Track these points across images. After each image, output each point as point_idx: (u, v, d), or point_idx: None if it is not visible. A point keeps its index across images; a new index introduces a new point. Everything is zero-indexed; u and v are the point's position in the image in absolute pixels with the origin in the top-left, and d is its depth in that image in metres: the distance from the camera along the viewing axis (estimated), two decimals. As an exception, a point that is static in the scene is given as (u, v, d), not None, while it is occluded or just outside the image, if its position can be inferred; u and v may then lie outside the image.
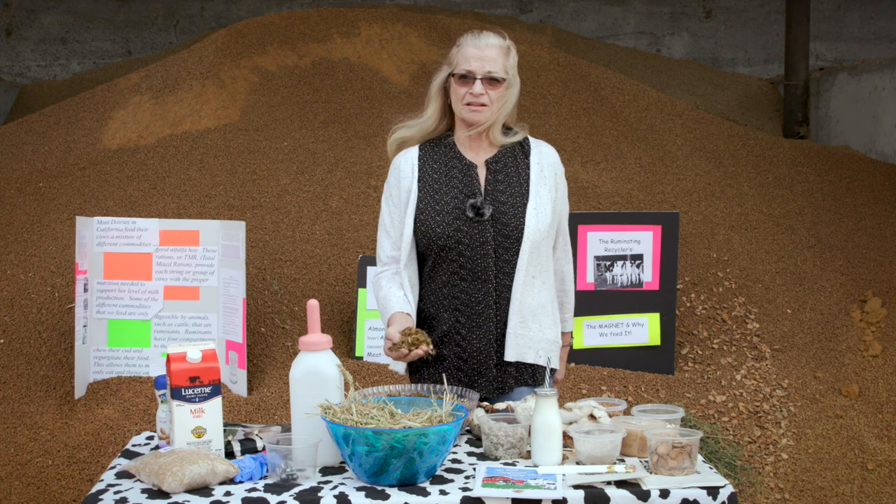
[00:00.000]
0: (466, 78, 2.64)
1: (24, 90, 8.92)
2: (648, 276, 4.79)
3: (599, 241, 4.76)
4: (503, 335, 2.67)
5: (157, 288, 4.35)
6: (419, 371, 2.74)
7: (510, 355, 2.67)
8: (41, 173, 5.52)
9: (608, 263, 4.78)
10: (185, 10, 9.72)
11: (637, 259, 4.80)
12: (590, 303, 4.75)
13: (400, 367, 2.80)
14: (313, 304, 2.30)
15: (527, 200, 2.67)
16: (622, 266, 4.79)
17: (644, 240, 4.78)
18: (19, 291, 4.59)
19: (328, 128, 5.98)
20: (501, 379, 2.70)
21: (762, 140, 6.76)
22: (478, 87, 2.63)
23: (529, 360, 2.70)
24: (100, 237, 4.34)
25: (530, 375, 2.73)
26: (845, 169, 6.57)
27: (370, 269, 4.62)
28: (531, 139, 2.79)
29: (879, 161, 6.91)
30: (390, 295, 2.68)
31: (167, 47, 9.53)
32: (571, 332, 2.93)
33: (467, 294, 2.65)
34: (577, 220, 4.76)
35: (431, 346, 2.53)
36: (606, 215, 4.88)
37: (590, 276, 4.77)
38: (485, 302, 2.64)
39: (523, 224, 2.65)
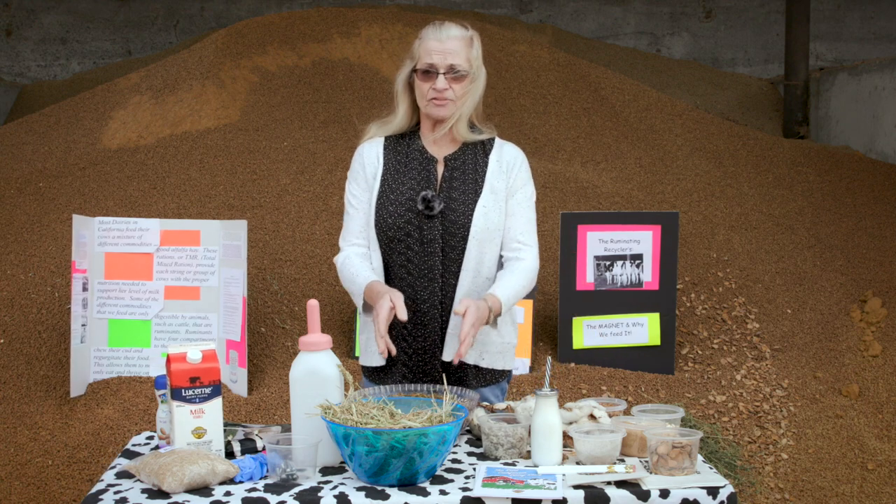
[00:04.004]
0: (429, 73, 2.58)
1: (24, 90, 8.92)
2: (648, 276, 4.79)
3: (599, 241, 4.76)
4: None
5: (157, 288, 4.35)
6: (380, 371, 2.70)
7: (447, 355, 2.60)
8: (41, 173, 5.52)
9: (608, 263, 4.78)
10: (185, 10, 9.72)
11: (637, 259, 4.80)
12: (590, 303, 4.75)
13: (375, 361, 2.72)
14: (313, 304, 2.30)
15: (478, 198, 2.61)
16: (622, 266, 4.79)
17: (644, 240, 4.78)
18: (19, 291, 4.60)
19: (328, 128, 5.99)
20: (449, 380, 2.63)
21: (762, 140, 6.76)
22: (441, 81, 2.57)
23: (470, 362, 2.63)
24: (101, 237, 4.34)
25: (480, 377, 2.67)
26: (845, 169, 6.57)
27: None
28: (497, 140, 2.72)
29: (879, 161, 6.91)
30: (361, 268, 2.61)
31: (167, 47, 9.53)
32: (501, 303, 2.55)
33: (413, 290, 2.60)
34: (577, 220, 4.76)
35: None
36: (606, 215, 4.88)
37: (590, 276, 4.77)
38: (430, 301, 2.59)
39: (470, 222, 2.59)
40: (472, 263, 2.60)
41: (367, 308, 2.61)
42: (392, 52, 6.73)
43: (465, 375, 2.66)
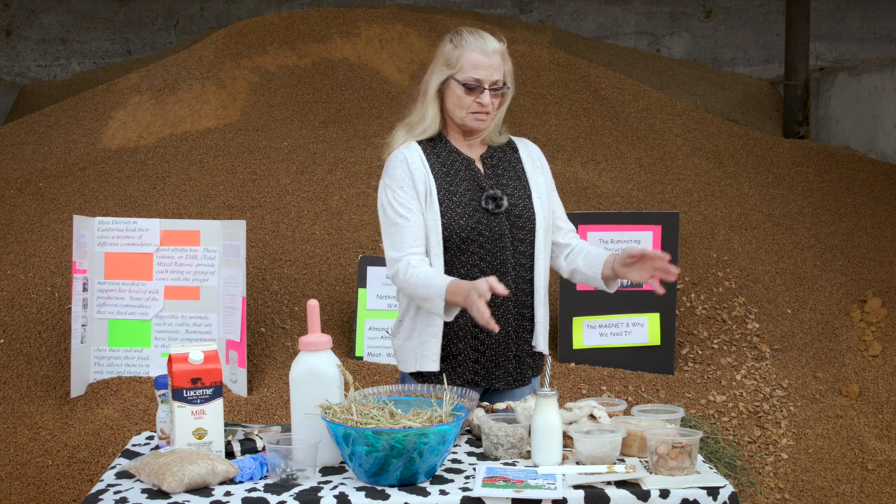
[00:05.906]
0: (474, 88, 2.61)
1: (24, 90, 8.92)
2: (648, 276, 4.78)
3: (599, 241, 4.76)
4: (520, 326, 2.66)
5: (157, 288, 4.35)
6: (445, 371, 2.69)
7: (542, 345, 2.68)
8: (41, 173, 5.52)
9: (608, 263, 4.78)
10: (185, 10, 9.72)
11: (637, 259, 4.79)
12: (590, 303, 4.75)
13: (431, 366, 2.67)
14: (313, 304, 2.30)
15: (530, 192, 2.70)
16: (622, 266, 4.78)
17: (644, 240, 4.78)
18: (19, 291, 4.60)
19: (328, 128, 5.99)
20: (520, 370, 2.69)
21: (762, 140, 6.76)
22: (486, 97, 2.60)
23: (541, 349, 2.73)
24: (101, 237, 4.34)
25: (538, 363, 2.75)
26: (845, 169, 6.58)
27: (370, 270, 4.61)
28: (514, 138, 2.82)
29: (879, 161, 6.92)
30: (432, 271, 2.53)
31: (167, 47, 9.53)
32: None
33: None
34: (577, 220, 4.76)
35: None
36: (606, 215, 4.87)
37: (590, 276, 4.77)
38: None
39: (534, 213, 2.67)
40: (542, 252, 2.67)
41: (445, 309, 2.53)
42: (392, 52, 6.73)
43: (539, 360, 2.74)
